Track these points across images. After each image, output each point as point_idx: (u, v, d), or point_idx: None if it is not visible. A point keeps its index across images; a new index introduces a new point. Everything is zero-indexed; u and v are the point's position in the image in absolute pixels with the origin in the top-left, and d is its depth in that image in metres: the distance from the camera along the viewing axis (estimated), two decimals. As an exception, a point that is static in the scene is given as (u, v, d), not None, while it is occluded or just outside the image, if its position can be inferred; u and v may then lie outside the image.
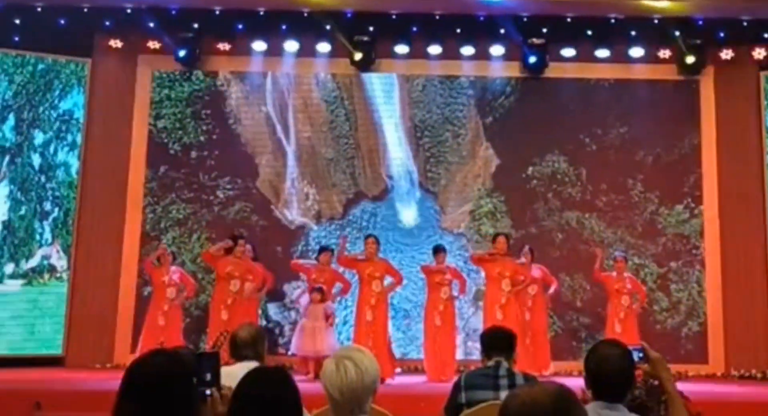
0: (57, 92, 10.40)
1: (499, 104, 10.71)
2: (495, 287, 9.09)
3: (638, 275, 9.94)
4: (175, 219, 10.48)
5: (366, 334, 8.82)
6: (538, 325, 9.42)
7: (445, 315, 9.07)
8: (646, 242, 10.37)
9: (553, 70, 10.60)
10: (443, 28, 10.36)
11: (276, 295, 10.22)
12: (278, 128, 10.72)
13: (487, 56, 10.56)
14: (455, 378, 4.19)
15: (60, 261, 10.16)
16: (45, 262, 10.09)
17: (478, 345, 4.64)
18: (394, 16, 10.24)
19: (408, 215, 10.59)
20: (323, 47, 10.51)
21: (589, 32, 10.41)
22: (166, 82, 10.71)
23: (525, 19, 10.24)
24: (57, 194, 10.25)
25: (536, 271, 9.50)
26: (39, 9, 9.89)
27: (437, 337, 9.02)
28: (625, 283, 9.38)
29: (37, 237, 10.11)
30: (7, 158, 10.11)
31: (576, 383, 2.97)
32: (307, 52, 10.58)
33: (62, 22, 10.06)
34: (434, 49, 10.50)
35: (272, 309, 10.28)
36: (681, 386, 3.10)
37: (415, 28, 10.38)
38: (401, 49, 10.53)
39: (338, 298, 9.60)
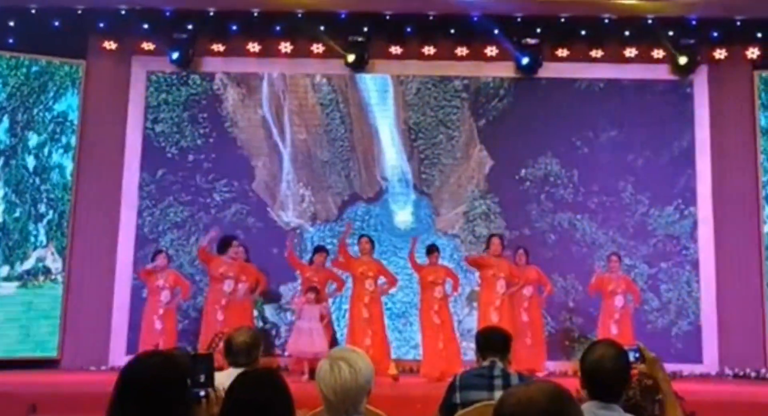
0: (51, 94, 10.36)
1: (492, 107, 10.72)
2: (490, 289, 9.09)
3: (629, 275, 9.91)
4: (172, 222, 10.48)
5: (363, 331, 8.86)
6: (534, 326, 9.41)
7: (442, 314, 9.04)
8: (637, 243, 10.39)
9: (547, 70, 10.62)
10: (437, 29, 10.39)
11: (272, 296, 10.22)
12: (274, 130, 10.72)
13: (480, 57, 10.57)
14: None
15: (55, 263, 10.13)
16: (40, 264, 10.06)
17: (472, 346, 4.64)
18: (387, 17, 10.26)
19: (402, 216, 10.60)
20: (317, 48, 10.52)
21: (583, 32, 10.43)
22: (163, 87, 10.71)
23: (518, 20, 10.26)
24: (51, 196, 10.23)
25: (531, 272, 9.50)
26: (33, 11, 9.89)
27: (440, 336, 8.96)
28: (619, 283, 9.39)
29: (32, 239, 10.09)
30: (1, 160, 10.07)
31: (570, 383, 2.96)
32: (301, 53, 10.59)
33: (56, 23, 10.05)
34: (428, 50, 10.53)
35: (269, 311, 10.29)
36: (675, 385, 3.10)
37: (408, 29, 10.41)
38: (395, 49, 10.53)
39: (333, 297, 9.61)
